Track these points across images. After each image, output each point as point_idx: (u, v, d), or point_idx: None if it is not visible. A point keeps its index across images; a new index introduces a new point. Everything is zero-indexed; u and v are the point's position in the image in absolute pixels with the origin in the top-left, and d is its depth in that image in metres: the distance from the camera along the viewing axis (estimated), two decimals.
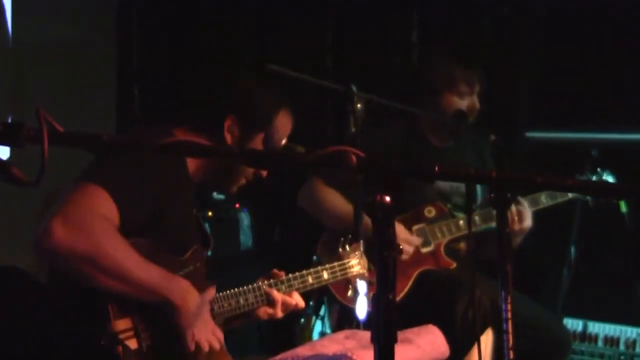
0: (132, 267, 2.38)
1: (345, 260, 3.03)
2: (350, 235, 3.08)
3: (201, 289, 2.56)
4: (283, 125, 2.80)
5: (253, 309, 2.78)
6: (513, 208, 3.63)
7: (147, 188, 2.47)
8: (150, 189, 2.48)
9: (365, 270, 3.04)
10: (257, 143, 2.74)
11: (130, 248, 2.39)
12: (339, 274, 3.00)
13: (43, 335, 2.45)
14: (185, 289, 2.47)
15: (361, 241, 3.07)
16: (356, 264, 3.04)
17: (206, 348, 2.52)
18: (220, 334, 2.59)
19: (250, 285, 2.77)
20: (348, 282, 3.07)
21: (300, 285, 2.88)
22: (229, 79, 2.81)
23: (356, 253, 3.05)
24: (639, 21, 4.79)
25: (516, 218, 3.63)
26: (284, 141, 2.81)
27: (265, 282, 2.81)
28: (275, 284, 2.82)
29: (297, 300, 2.86)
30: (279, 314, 2.83)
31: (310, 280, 2.90)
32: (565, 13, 5.04)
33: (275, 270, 2.87)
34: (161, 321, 2.46)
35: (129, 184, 2.42)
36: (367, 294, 2.97)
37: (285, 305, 2.83)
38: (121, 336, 2.37)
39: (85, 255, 2.30)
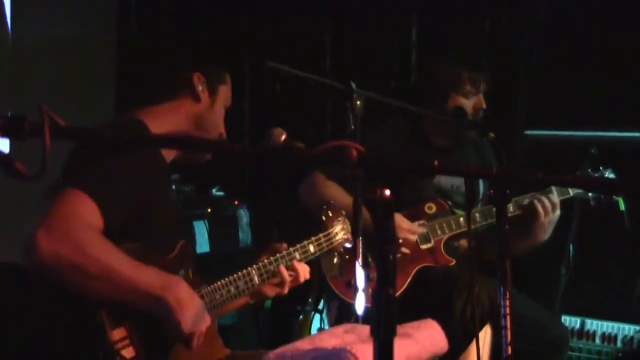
0: (120, 268, 2.35)
1: (330, 230, 3.01)
2: (331, 202, 3.09)
3: (191, 285, 2.54)
4: (229, 79, 2.88)
5: (247, 294, 2.78)
6: (544, 199, 3.65)
7: (127, 185, 2.45)
8: (131, 185, 2.47)
9: (349, 235, 3.03)
10: (222, 97, 2.82)
11: (118, 250, 2.37)
12: (324, 244, 2.98)
13: (38, 342, 2.43)
14: (180, 287, 2.45)
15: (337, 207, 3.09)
16: (340, 229, 3.03)
17: (195, 344, 2.49)
18: (209, 319, 2.56)
19: (239, 272, 2.75)
20: (333, 252, 3.06)
21: (289, 264, 2.87)
22: (182, 44, 2.90)
23: (339, 219, 3.04)
24: (638, 19, 4.80)
25: (550, 209, 3.64)
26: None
27: (255, 266, 2.80)
28: (264, 267, 2.80)
29: (301, 270, 2.87)
30: (286, 289, 2.86)
31: (297, 256, 2.89)
32: (564, 11, 5.05)
33: (277, 245, 2.88)
34: (155, 327, 2.44)
35: (109, 183, 2.41)
36: (366, 289, 2.98)
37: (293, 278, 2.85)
38: (117, 346, 2.36)
39: (73, 263, 2.29)
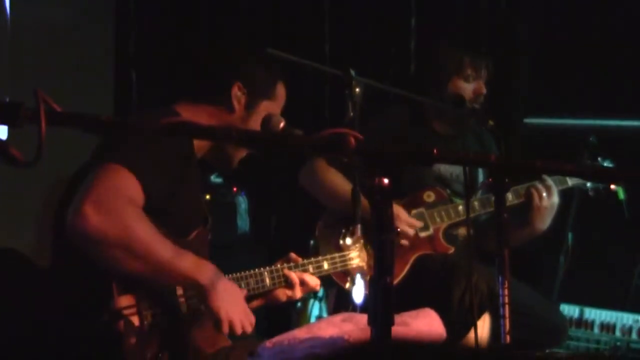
0: (162, 251, 2.40)
1: (346, 252, 3.04)
2: (351, 228, 3.09)
3: None
4: (281, 96, 2.84)
5: (255, 294, 2.80)
6: (539, 185, 3.65)
7: (165, 166, 2.48)
8: (168, 167, 2.49)
9: (364, 264, 3.05)
10: (261, 112, 2.77)
11: (158, 232, 2.41)
12: (339, 265, 3.02)
13: (45, 315, 2.45)
14: (212, 272, 2.49)
15: (360, 234, 3.08)
16: (356, 256, 3.06)
17: (239, 330, 2.54)
18: (253, 318, 2.60)
19: (252, 271, 2.78)
20: (347, 275, 3.08)
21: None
22: (231, 48, 2.87)
23: (356, 245, 3.06)
24: (638, 8, 4.79)
25: (544, 194, 3.64)
26: (278, 115, 2.82)
27: (267, 268, 2.82)
28: (276, 271, 2.83)
29: (310, 280, 2.89)
30: (298, 294, 2.88)
31: (310, 269, 2.92)
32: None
33: (293, 255, 2.90)
34: (164, 299, 2.47)
35: (150, 162, 2.43)
36: (364, 278, 2.97)
37: (302, 285, 2.87)
38: (124, 312, 2.39)
39: (118, 240, 2.32)
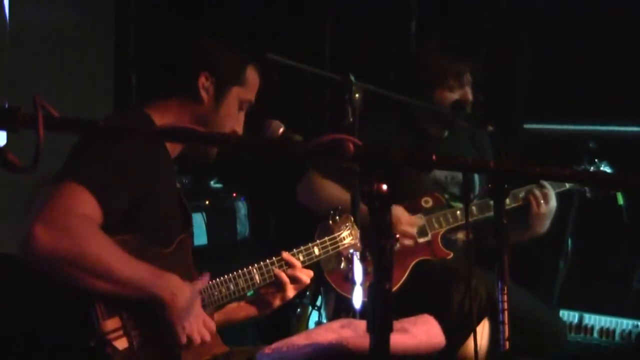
0: (117, 265, 2.33)
1: (336, 234, 2.99)
2: (340, 207, 3.07)
3: (190, 280, 2.53)
4: (253, 79, 2.78)
5: (244, 294, 2.76)
6: (537, 191, 3.66)
7: (127, 178, 2.43)
8: (131, 178, 2.44)
9: (357, 241, 3.01)
10: (232, 99, 2.72)
11: (115, 246, 2.35)
12: (330, 248, 2.96)
13: (32, 335, 2.43)
14: (174, 284, 2.43)
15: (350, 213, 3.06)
16: (347, 235, 3.01)
17: (198, 340, 2.49)
18: (212, 323, 2.56)
19: (240, 271, 2.74)
20: (340, 256, 3.04)
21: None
22: (195, 38, 2.80)
23: (347, 224, 3.02)
24: (637, 12, 4.79)
25: (542, 201, 3.66)
26: (253, 97, 2.79)
27: (256, 265, 2.79)
28: (265, 267, 2.80)
29: (302, 275, 2.85)
30: (291, 293, 2.83)
31: (301, 258, 2.87)
32: (563, 4, 5.04)
33: (284, 253, 2.86)
34: (150, 317, 2.43)
35: (107, 176, 2.38)
36: (364, 284, 2.97)
37: (294, 282, 2.83)
38: (110, 336, 2.35)
39: (70, 258, 2.27)
